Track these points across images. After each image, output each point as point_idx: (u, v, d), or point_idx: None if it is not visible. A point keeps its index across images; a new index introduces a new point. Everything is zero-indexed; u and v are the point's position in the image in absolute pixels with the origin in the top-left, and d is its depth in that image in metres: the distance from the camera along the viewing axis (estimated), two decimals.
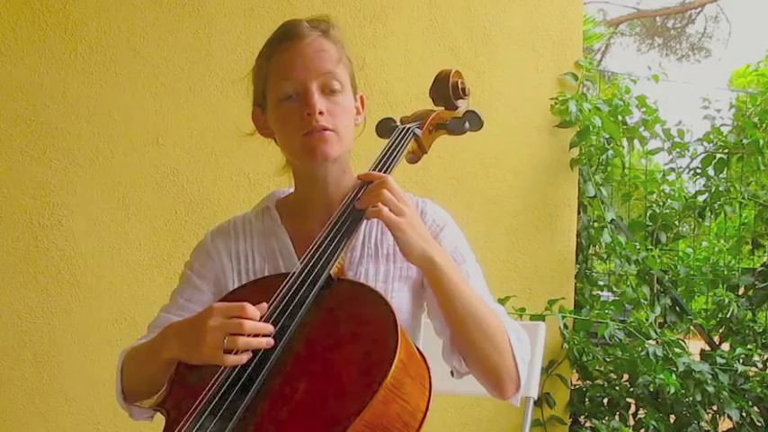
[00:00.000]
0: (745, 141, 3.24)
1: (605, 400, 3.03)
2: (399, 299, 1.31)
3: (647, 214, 3.35)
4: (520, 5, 2.98)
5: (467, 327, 1.21)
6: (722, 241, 3.61)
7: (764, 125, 3.32)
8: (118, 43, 2.48)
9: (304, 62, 1.28)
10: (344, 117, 1.30)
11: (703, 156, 3.32)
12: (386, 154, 1.31)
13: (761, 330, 3.13)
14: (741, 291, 3.26)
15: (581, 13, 3.24)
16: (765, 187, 3.39)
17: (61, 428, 2.40)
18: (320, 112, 1.26)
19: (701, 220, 3.40)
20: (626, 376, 2.97)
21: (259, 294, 1.13)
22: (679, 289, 3.21)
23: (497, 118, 2.87)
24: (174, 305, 1.36)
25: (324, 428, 0.98)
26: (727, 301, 3.08)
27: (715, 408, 2.88)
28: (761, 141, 3.18)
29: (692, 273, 3.21)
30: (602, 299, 3.20)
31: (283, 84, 1.29)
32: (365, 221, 1.21)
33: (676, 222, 3.34)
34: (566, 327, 2.89)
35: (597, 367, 2.98)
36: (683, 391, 2.78)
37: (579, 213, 3.09)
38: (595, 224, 3.12)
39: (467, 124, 1.41)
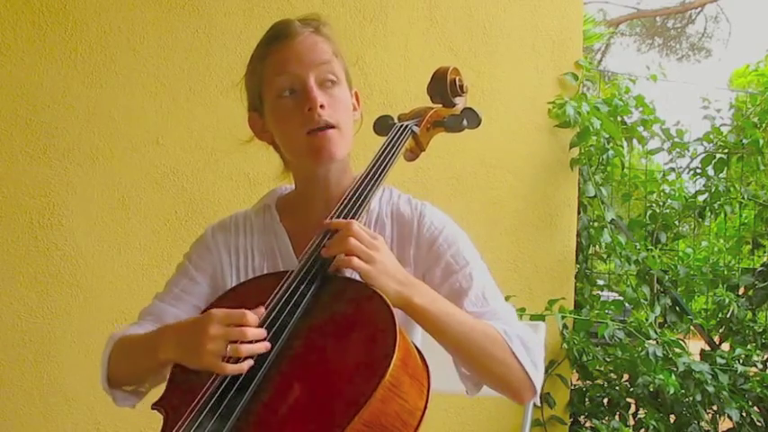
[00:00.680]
0: (744, 141, 3.24)
1: (605, 400, 3.04)
2: None
3: (647, 214, 3.35)
4: (520, 5, 2.98)
5: (463, 351, 1.20)
6: (722, 241, 3.61)
7: (764, 125, 3.32)
8: (118, 43, 2.48)
9: (299, 56, 1.27)
10: (344, 111, 1.30)
11: (703, 156, 3.32)
12: (384, 151, 1.31)
13: (761, 330, 3.13)
14: (741, 291, 3.25)
15: (581, 13, 3.24)
16: (765, 187, 3.39)
17: (61, 428, 2.40)
18: (321, 106, 1.25)
19: (700, 220, 3.40)
20: (626, 376, 2.97)
21: (257, 293, 1.13)
22: (679, 289, 3.21)
23: (497, 118, 2.87)
24: (168, 294, 1.35)
25: (322, 427, 0.97)
26: (727, 301, 3.07)
27: (715, 408, 2.88)
28: (761, 141, 3.18)
29: (691, 273, 3.21)
30: (602, 299, 3.19)
31: (280, 79, 1.27)
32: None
33: (676, 222, 3.34)
34: (566, 327, 2.89)
35: (597, 367, 2.98)
36: (683, 391, 2.77)
37: (579, 213, 3.09)
38: (595, 224, 3.12)
39: (465, 121, 1.40)
